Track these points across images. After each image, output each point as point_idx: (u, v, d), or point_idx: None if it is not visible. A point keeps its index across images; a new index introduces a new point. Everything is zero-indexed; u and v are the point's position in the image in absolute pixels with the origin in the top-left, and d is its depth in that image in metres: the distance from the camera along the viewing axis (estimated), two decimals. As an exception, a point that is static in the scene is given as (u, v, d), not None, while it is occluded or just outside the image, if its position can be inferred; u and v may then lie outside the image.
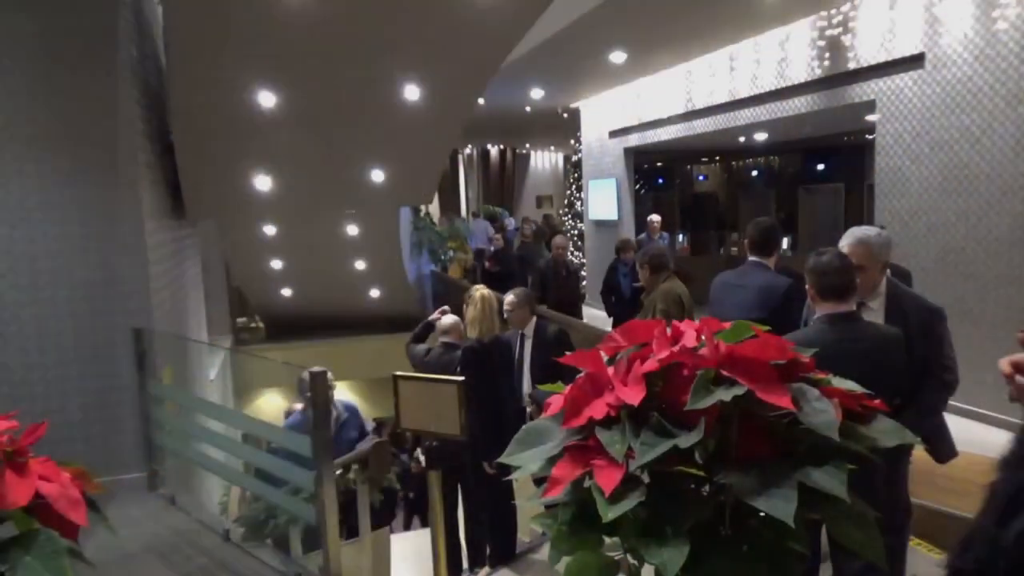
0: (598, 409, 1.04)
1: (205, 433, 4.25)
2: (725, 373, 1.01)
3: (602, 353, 1.18)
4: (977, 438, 5.51)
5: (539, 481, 1.11)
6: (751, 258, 3.80)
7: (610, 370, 1.13)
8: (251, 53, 4.99)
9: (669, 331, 1.21)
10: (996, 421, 5.72)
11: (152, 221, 4.77)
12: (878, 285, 2.98)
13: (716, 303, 3.79)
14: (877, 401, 1.10)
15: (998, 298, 5.84)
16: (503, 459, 1.07)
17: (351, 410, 4.61)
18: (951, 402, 6.16)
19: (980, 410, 5.88)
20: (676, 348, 1.09)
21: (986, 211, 5.90)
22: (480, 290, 4.36)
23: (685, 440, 0.97)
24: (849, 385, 1.11)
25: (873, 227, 3.17)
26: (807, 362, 1.11)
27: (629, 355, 1.13)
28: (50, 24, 4.21)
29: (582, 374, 1.17)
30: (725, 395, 0.97)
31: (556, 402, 1.13)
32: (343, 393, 9.82)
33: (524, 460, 1.06)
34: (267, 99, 5.32)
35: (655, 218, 9.84)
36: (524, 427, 1.11)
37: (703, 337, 1.13)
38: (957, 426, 6.08)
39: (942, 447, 3.08)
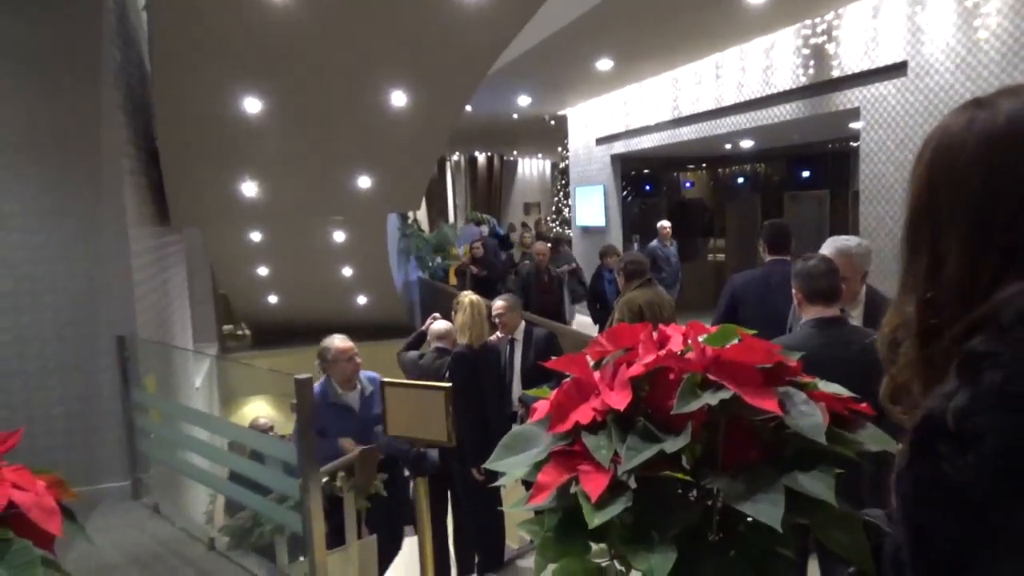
0: (584, 414, 1.03)
1: (190, 441, 4.21)
2: (711, 377, 1.01)
3: (588, 358, 1.18)
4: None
5: (529, 487, 1.10)
6: (771, 257, 3.79)
7: (596, 375, 1.12)
8: (237, 60, 4.97)
9: (655, 335, 1.21)
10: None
11: (136, 228, 4.74)
12: (858, 294, 3.05)
13: (750, 304, 3.68)
14: (864, 405, 1.10)
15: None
16: (489, 464, 1.06)
17: (376, 383, 4.18)
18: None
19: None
20: (662, 352, 1.08)
21: (969, 217, 5.96)
22: (468, 296, 4.36)
23: (671, 444, 0.97)
24: (836, 389, 1.11)
25: (853, 237, 3.21)
26: (794, 366, 1.10)
27: (615, 359, 1.12)
28: (33, 30, 4.17)
29: (568, 378, 1.16)
30: (711, 399, 0.97)
31: (542, 407, 1.12)
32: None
33: (510, 466, 1.05)
34: (253, 105, 5.30)
35: (665, 224, 9.70)
36: (510, 432, 1.10)
37: (689, 341, 1.12)
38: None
39: None
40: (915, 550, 0.69)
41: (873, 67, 6.81)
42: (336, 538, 3.44)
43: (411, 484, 3.96)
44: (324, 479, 3.23)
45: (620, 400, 1.00)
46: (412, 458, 3.21)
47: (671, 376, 1.03)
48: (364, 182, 6.63)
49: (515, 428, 1.10)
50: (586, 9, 6.75)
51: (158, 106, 5.30)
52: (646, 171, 14.95)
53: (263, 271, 8.15)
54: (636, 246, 14.35)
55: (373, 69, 5.30)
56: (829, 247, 3.08)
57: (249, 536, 3.75)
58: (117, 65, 4.57)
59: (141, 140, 5.31)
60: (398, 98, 5.55)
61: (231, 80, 5.16)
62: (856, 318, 3.04)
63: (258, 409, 9.25)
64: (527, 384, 4.51)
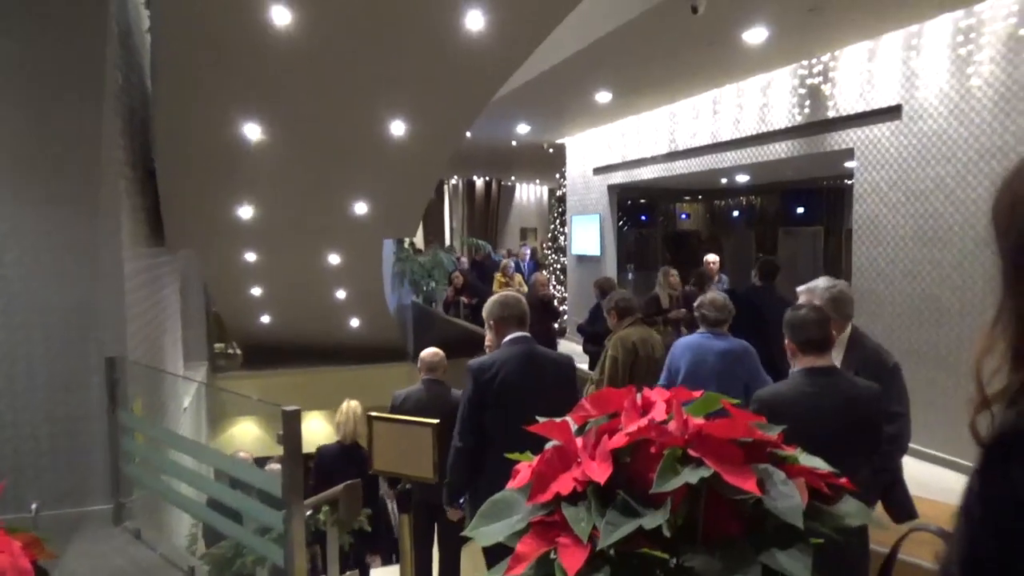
0: (564, 485, 1.04)
1: (174, 467, 4.17)
2: (692, 453, 1.01)
3: (571, 422, 1.18)
4: (948, 485, 5.55)
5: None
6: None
7: (579, 441, 1.13)
8: (238, 85, 5.01)
9: (639, 399, 1.22)
10: (964, 468, 5.76)
11: (131, 249, 4.74)
12: (841, 335, 3.10)
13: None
14: (843, 480, 1.11)
15: (971, 346, 5.92)
16: (468, 532, 1.06)
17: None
18: (918, 447, 6.21)
19: (953, 457, 5.92)
20: (645, 422, 1.09)
21: (960, 261, 6.00)
22: (347, 401, 5.04)
23: (650, 520, 0.97)
24: (816, 463, 1.11)
25: (838, 280, 3.29)
26: (774, 439, 1.11)
27: (598, 427, 1.12)
28: (35, 50, 4.20)
29: (551, 443, 1.17)
30: (691, 477, 0.97)
31: (524, 472, 1.12)
32: (318, 423, 9.72)
33: (489, 534, 1.05)
34: (252, 131, 5.32)
35: (711, 258, 8.85)
36: (489, 500, 1.10)
37: (672, 410, 1.13)
38: (928, 472, 6.15)
39: (897, 506, 3.07)
40: (970, 569, 0.68)
41: (868, 109, 6.89)
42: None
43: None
44: (308, 512, 3.20)
45: (601, 473, 1.01)
46: (397, 494, 3.18)
47: (652, 450, 1.04)
48: (361, 208, 6.65)
49: (495, 496, 1.10)
50: (587, 44, 6.83)
51: (158, 129, 5.31)
52: (642, 201, 15.04)
53: (257, 291, 8.14)
54: (631, 276, 14.40)
55: (374, 97, 5.34)
56: (803, 288, 3.16)
57: (230, 566, 3.72)
58: (119, 87, 4.59)
59: (139, 160, 5.32)
60: (397, 127, 5.59)
61: (232, 105, 5.19)
62: (836, 356, 3.10)
63: (246, 431, 9.20)
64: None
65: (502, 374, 3.16)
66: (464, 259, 14.28)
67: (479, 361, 3.27)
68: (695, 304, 4.62)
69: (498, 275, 11.58)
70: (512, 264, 12.34)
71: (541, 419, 1.14)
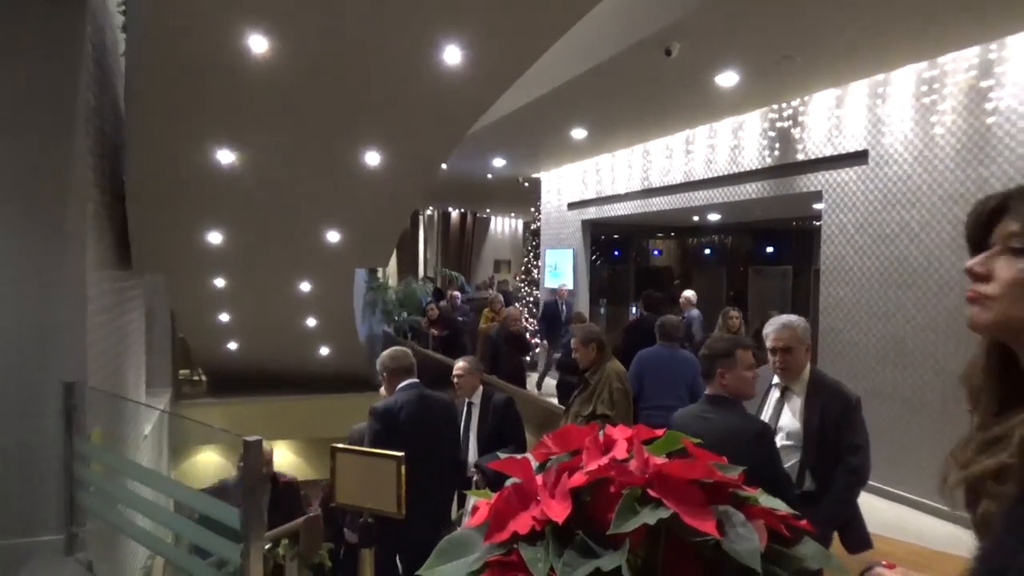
0: (523, 524, 1.02)
1: (131, 497, 4.05)
2: (652, 493, 1.00)
3: (532, 459, 1.17)
4: (911, 525, 5.60)
5: None
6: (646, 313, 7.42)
7: (539, 478, 1.11)
8: (212, 111, 4.99)
9: (602, 437, 1.21)
10: (928, 508, 5.80)
11: (95, 272, 4.65)
12: (803, 370, 3.17)
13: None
14: (803, 522, 1.11)
15: (935, 387, 6.01)
16: (423, 571, 1.04)
17: None
18: (883, 486, 6.27)
19: (914, 496, 5.97)
20: (605, 460, 1.08)
21: (923, 304, 6.12)
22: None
23: (608, 562, 0.96)
24: (775, 504, 1.11)
25: (794, 315, 3.41)
26: (735, 479, 1.11)
27: (559, 464, 1.11)
28: (7, 70, 4.15)
29: (513, 481, 1.15)
30: (650, 518, 0.96)
31: (482, 511, 1.11)
32: (281, 452, 9.55)
33: (445, 574, 1.03)
34: (226, 157, 5.29)
35: (689, 294, 9.13)
36: (446, 537, 1.08)
37: (633, 448, 1.12)
38: (893, 512, 6.18)
39: (853, 537, 3.13)
40: None
41: (836, 153, 7.06)
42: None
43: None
44: (267, 546, 3.12)
45: (559, 512, 0.99)
46: (360, 528, 3.12)
47: (612, 489, 1.03)
48: (333, 237, 6.62)
49: (452, 533, 1.08)
50: (563, 82, 6.93)
51: (130, 153, 5.26)
52: (616, 236, 15.17)
53: (225, 317, 8.03)
54: (603, 310, 14.46)
55: (349, 127, 5.35)
56: (773, 324, 3.26)
57: (185, 601, 3.59)
58: (91, 110, 4.55)
59: (108, 182, 5.25)
60: (372, 157, 5.59)
61: (205, 130, 5.16)
62: (799, 394, 3.18)
63: (208, 459, 9.00)
64: (484, 449, 4.47)
65: (404, 414, 3.91)
66: (458, 294, 14.06)
67: (383, 405, 3.97)
68: (656, 324, 5.75)
69: (486, 310, 11.55)
70: (501, 298, 12.23)
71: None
